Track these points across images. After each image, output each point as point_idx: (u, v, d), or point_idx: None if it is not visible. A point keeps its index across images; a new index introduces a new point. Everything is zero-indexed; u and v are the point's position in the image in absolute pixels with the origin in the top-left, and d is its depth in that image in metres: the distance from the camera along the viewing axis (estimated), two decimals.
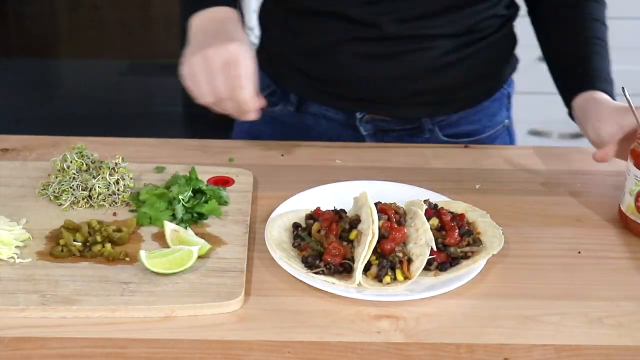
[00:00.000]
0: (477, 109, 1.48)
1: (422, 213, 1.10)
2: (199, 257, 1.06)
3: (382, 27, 1.35)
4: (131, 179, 1.22)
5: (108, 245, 1.07)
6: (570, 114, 1.36)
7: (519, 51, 1.53)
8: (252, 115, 1.22)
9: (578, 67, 1.35)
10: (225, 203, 1.20)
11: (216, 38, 1.20)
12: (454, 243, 1.08)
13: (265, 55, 1.51)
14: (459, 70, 1.41)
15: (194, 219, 1.16)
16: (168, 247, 1.08)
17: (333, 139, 1.46)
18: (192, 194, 1.18)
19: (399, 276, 1.04)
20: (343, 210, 1.15)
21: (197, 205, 1.17)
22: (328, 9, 1.37)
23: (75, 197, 1.18)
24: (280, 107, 1.50)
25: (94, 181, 1.19)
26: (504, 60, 1.50)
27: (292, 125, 1.50)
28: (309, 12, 1.40)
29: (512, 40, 1.49)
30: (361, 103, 1.44)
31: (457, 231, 1.09)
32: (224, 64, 1.17)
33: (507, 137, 1.55)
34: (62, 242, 1.08)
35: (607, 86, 1.32)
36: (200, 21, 1.27)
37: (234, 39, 1.20)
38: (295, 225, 1.14)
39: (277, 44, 1.49)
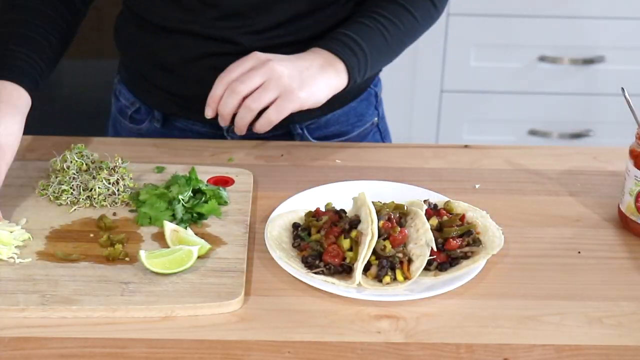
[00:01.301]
0: (345, 110, 1.48)
1: (422, 213, 1.11)
2: (199, 257, 1.06)
3: (235, 41, 1.34)
4: (131, 179, 1.22)
5: (118, 246, 1.08)
6: None
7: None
8: None
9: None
10: (225, 203, 1.20)
11: None
12: (454, 247, 1.08)
13: (126, 72, 1.51)
14: None
15: (193, 219, 1.16)
16: (168, 247, 1.08)
17: None
18: (192, 194, 1.19)
19: (399, 276, 1.04)
20: (343, 211, 1.15)
21: (197, 205, 1.17)
22: (181, 27, 1.36)
23: (75, 197, 1.18)
24: (147, 124, 1.48)
25: (94, 181, 1.19)
26: None
27: None
28: (163, 29, 1.38)
29: None
30: None
31: (456, 240, 1.09)
32: None
33: (378, 134, 1.56)
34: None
35: (328, 42, 1.29)
36: None
37: None
38: (295, 226, 1.14)
39: (135, 60, 1.47)
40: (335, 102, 1.41)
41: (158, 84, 1.44)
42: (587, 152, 1.43)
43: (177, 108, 1.45)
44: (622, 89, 1.22)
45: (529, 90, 2.61)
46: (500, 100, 2.62)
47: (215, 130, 1.44)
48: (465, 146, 1.45)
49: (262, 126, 1.23)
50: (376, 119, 1.55)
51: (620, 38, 2.57)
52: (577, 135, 2.70)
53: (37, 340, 0.94)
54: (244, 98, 1.22)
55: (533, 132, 2.68)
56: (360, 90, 1.50)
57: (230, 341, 0.95)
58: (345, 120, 1.49)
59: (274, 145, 1.41)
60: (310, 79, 1.24)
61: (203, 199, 1.18)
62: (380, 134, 1.57)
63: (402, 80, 2.52)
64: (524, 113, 2.64)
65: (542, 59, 2.56)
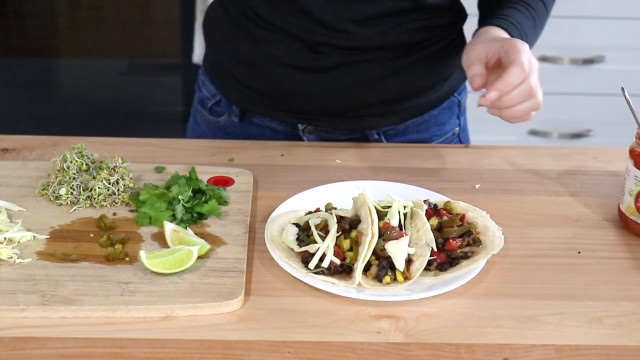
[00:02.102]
0: (425, 118, 1.46)
1: (422, 213, 1.11)
2: (199, 257, 1.06)
3: (316, 40, 1.34)
4: (131, 179, 1.22)
5: (119, 246, 1.08)
6: None
7: None
8: None
9: (494, 13, 1.33)
10: (225, 203, 1.20)
11: None
12: (454, 247, 1.08)
13: (210, 64, 1.50)
14: (399, 82, 1.39)
15: (193, 219, 1.16)
16: (168, 247, 1.08)
17: None
18: (192, 194, 1.18)
19: (399, 276, 1.04)
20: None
21: (197, 205, 1.17)
22: (270, 24, 1.35)
23: (75, 197, 1.19)
24: (225, 117, 1.49)
25: (94, 181, 1.19)
26: (452, 68, 1.45)
27: (237, 136, 1.48)
28: (252, 24, 1.38)
29: (461, 48, 1.35)
30: (301, 115, 1.43)
31: (456, 240, 1.09)
32: None
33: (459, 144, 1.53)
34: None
35: (510, 27, 1.28)
36: None
37: None
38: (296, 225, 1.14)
39: (220, 53, 1.47)
40: (415, 109, 1.42)
41: (239, 78, 1.44)
42: (587, 152, 1.43)
43: (255, 104, 1.45)
44: (622, 89, 1.22)
45: None
46: None
47: (291, 129, 1.45)
48: (465, 146, 1.45)
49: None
50: (457, 128, 1.52)
51: (620, 38, 2.58)
52: (577, 135, 2.70)
53: (37, 340, 0.94)
54: None
55: (533, 132, 2.68)
56: (443, 98, 1.47)
57: (230, 341, 0.95)
58: (425, 129, 1.47)
59: (274, 145, 1.41)
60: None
61: (203, 199, 1.18)
62: (460, 144, 1.52)
63: None
64: None
65: (542, 59, 2.56)
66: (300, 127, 1.44)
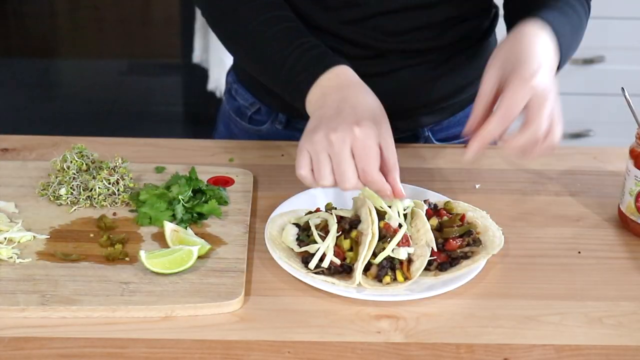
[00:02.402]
0: (467, 112, 1.47)
1: (422, 213, 1.11)
2: (199, 257, 1.06)
3: (368, 44, 1.33)
4: (131, 179, 1.22)
5: (118, 246, 1.08)
6: None
7: None
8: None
9: (529, 5, 1.25)
10: (225, 203, 1.20)
11: (341, 115, 1.07)
12: (454, 247, 1.08)
13: (244, 72, 1.48)
14: (449, 81, 1.41)
15: (193, 219, 1.16)
16: (168, 247, 1.08)
17: None
18: (192, 194, 1.18)
19: (399, 277, 1.04)
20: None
21: (197, 205, 1.17)
22: (318, 27, 1.33)
23: (75, 197, 1.19)
24: (268, 125, 1.47)
25: (94, 181, 1.19)
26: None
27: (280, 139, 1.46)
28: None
29: (494, 44, 1.47)
30: None
31: (456, 240, 1.09)
32: (350, 151, 1.05)
33: None
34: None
35: (547, 16, 1.19)
36: (322, 90, 1.13)
37: (360, 116, 1.07)
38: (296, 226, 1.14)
39: None
40: (457, 104, 1.44)
41: None
42: (587, 152, 1.43)
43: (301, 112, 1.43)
44: (622, 89, 1.22)
45: None
46: None
47: None
48: (465, 146, 1.45)
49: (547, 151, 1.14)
50: None
51: (620, 38, 2.58)
52: (577, 135, 2.70)
53: (37, 340, 0.94)
54: None
55: None
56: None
57: (230, 341, 0.95)
58: (466, 122, 1.48)
59: (274, 145, 1.41)
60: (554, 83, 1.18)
61: (203, 199, 1.18)
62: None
63: None
64: None
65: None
66: None
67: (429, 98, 1.42)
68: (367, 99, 1.11)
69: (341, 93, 1.11)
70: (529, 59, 1.11)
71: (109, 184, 1.19)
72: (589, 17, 1.36)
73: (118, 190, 1.20)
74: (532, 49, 1.13)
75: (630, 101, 1.20)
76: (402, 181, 1.26)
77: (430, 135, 1.48)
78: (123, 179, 1.21)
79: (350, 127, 1.05)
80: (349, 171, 1.04)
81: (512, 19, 1.27)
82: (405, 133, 1.46)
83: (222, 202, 1.20)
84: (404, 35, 1.34)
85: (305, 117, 1.45)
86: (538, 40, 1.15)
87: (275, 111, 1.46)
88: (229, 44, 1.28)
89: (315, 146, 1.06)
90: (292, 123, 1.46)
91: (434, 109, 1.45)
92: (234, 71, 1.53)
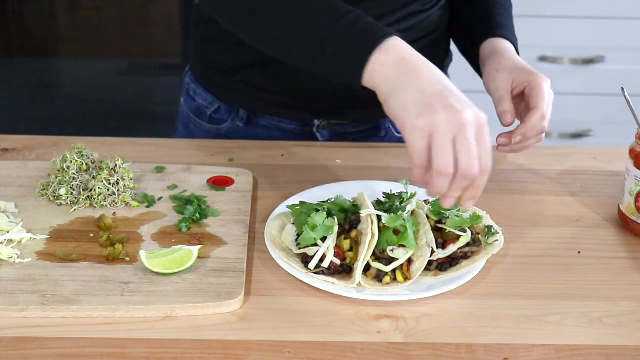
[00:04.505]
0: None
1: (423, 213, 1.11)
2: (199, 257, 1.06)
3: None
4: (131, 179, 1.22)
5: (119, 246, 1.08)
6: (479, 73, 1.36)
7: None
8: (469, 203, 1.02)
9: (483, 20, 1.37)
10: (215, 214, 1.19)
11: (445, 92, 0.98)
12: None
13: (205, 70, 1.48)
14: None
15: (195, 219, 1.16)
16: (168, 247, 1.08)
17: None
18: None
19: (399, 277, 1.04)
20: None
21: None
22: None
23: (75, 197, 1.19)
24: (229, 123, 1.47)
25: (94, 181, 1.19)
26: (444, 56, 1.51)
27: (242, 137, 1.46)
28: None
29: (448, 36, 1.49)
30: (318, 111, 1.43)
31: (454, 244, 1.09)
32: (476, 134, 0.97)
33: None
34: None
35: (511, 36, 1.35)
36: (393, 60, 1.02)
37: (462, 97, 0.99)
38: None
39: (221, 56, 1.43)
40: None
41: (248, 81, 1.41)
42: (587, 152, 1.43)
43: (265, 105, 1.43)
44: (622, 89, 1.22)
45: None
46: None
47: (302, 127, 1.45)
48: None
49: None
50: None
51: (620, 38, 2.58)
52: (577, 135, 2.70)
53: (37, 340, 0.94)
54: None
55: None
56: None
57: (230, 341, 0.95)
58: None
59: (274, 145, 1.41)
60: None
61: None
62: None
63: None
64: None
65: (542, 59, 2.56)
66: (316, 122, 1.44)
67: None
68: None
69: (428, 67, 1.02)
70: (528, 67, 1.27)
71: (109, 184, 1.19)
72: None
73: (118, 190, 1.20)
74: (521, 61, 1.29)
75: (630, 101, 1.20)
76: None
77: (392, 128, 1.47)
78: (123, 179, 1.21)
79: (471, 109, 0.97)
80: (474, 159, 0.96)
81: (468, 33, 1.41)
82: (366, 125, 1.46)
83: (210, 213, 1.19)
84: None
85: (270, 112, 1.43)
86: (514, 54, 1.32)
87: (237, 108, 1.45)
88: (251, 21, 1.15)
89: (439, 127, 0.95)
90: (254, 119, 1.46)
91: None
92: (191, 71, 1.53)
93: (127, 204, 1.19)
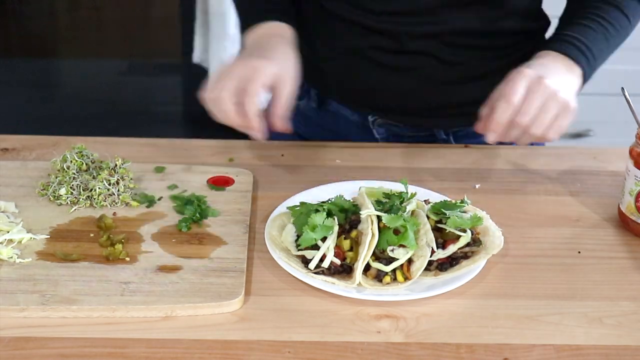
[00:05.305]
0: None
1: (423, 213, 1.11)
2: (199, 257, 1.06)
3: (400, 39, 1.35)
4: (131, 179, 1.22)
5: (119, 246, 1.08)
6: None
7: None
8: (255, 134, 1.19)
9: (562, 28, 1.33)
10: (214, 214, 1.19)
11: (252, 54, 1.23)
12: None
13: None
14: (478, 87, 1.36)
15: (195, 219, 1.16)
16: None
17: (350, 139, 1.46)
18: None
19: (399, 277, 1.04)
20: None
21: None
22: (352, 17, 1.36)
23: (75, 197, 1.19)
24: (305, 101, 1.52)
25: (94, 181, 1.19)
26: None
27: (315, 121, 1.52)
28: (330, 15, 1.40)
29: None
30: (375, 108, 1.46)
31: (454, 244, 1.09)
32: (240, 78, 1.17)
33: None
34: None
35: (561, 45, 1.28)
36: (251, 37, 1.31)
37: (266, 56, 1.21)
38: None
39: (298, 40, 1.45)
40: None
41: (317, 64, 1.45)
42: (587, 152, 1.43)
43: (331, 92, 1.48)
44: (622, 89, 1.22)
45: None
46: None
47: (362, 120, 1.48)
48: (466, 146, 1.45)
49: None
50: None
51: None
52: (577, 135, 2.70)
53: (37, 340, 0.94)
54: None
55: None
56: None
57: (230, 341, 0.95)
58: None
59: (274, 145, 1.41)
60: (572, 88, 1.22)
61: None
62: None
63: None
64: None
65: None
66: (370, 119, 1.47)
67: (449, 100, 1.41)
68: (281, 51, 1.25)
69: (266, 39, 1.27)
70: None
71: (109, 184, 1.19)
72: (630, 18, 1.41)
73: (118, 190, 1.20)
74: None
75: (630, 101, 1.20)
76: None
77: (452, 139, 1.47)
78: (123, 179, 1.21)
79: (250, 61, 1.19)
80: (228, 95, 1.16)
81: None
82: (423, 132, 1.47)
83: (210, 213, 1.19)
84: (435, 37, 1.35)
85: (335, 98, 1.49)
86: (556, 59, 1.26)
87: (309, 87, 1.49)
88: None
89: (218, 74, 1.19)
90: (325, 104, 1.49)
91: (454, 113, 1.43)
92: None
93: (127, 204, 1.19)
